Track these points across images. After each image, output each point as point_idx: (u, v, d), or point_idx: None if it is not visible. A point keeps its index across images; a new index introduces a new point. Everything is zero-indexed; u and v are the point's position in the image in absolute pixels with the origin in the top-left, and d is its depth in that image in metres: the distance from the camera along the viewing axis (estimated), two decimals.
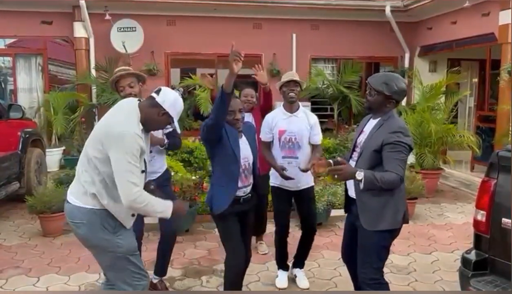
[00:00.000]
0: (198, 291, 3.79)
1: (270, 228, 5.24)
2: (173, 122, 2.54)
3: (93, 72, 8.81)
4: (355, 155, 2.81)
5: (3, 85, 9.72)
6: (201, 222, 5.27)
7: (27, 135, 6.24)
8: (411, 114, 7.56)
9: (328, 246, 4.69)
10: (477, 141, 7.15)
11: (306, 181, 3.68)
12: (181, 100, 2.56)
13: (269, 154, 3.70)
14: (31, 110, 8.74)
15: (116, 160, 2.30)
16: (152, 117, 2.45)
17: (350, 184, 2.82)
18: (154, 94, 2.48)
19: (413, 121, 7.25)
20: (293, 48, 9.51)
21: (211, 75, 4.57)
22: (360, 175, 2.49)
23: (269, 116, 3.75)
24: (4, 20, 8.49)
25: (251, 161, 3.05)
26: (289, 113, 3.67)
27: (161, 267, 3.68)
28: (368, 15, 9.39)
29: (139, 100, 2.55)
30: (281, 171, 3.52)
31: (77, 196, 2.45)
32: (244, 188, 3.03)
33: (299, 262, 3.91)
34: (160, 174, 3.49)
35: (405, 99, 9.71)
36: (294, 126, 3.62)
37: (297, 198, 3.75)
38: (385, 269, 4.00)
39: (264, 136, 3.73)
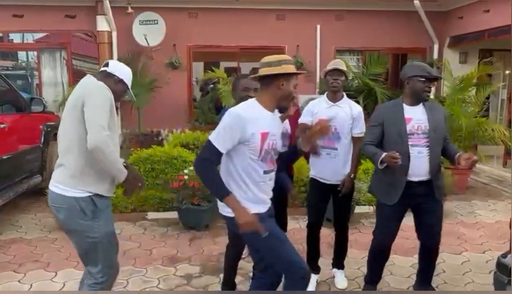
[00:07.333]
0: (196, 291, 3.68)
1: (292, 224, 5.09)
2: (128, 89, 2.69)
3: None
4: (417, 140, 3.05)
5: (29, 80, 9.86)
6: (221, 218, 5.16)
7: (49, 129, 6.24)
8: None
9: (352, 245, 4.49)
10: (511, 136, 6.80)
11: (344, 174, 3.53)
12: (128, 67, 2.72)
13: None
14: (55, 104, 8.80)
15: (89, 107, 2.38)
16: (110, 87, 2.56)
17: (418, 169, 3.04)
18: (103, 68, 2.64)
19: None
20: (317, 39, 9.24)
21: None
22: None
23: (311, 104, 3.67)
24: (29, 14, 8.57)
25: None
26: (332, 102, 3.57)
27: None
28: (395, 5, 9.05)
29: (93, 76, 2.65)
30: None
31: (62, 182, 2.49)
32: None
33: (337, 262, 3.82)
34: None
35: (433, 91, 9.52)
36: (336, 117, 3.49)
37: (335, 192, 3.58)
38: (412, 270, 3.83)
39: (305, 120, 3.60)
